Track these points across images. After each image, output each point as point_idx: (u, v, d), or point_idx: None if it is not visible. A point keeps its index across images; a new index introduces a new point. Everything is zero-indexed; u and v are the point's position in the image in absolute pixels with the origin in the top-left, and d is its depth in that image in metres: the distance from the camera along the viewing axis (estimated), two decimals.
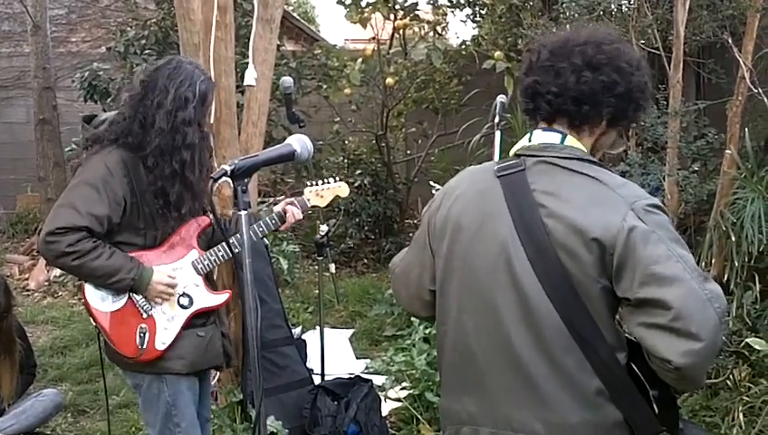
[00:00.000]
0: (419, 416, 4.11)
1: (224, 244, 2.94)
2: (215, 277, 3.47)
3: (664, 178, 4.81)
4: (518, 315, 1.82)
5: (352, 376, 4.35)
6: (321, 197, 3.33)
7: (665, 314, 1.69)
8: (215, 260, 2.95)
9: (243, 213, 1.91)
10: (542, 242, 1.79)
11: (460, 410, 1.96)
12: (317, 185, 3.34)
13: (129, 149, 2.74)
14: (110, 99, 7.19)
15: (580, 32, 1.94)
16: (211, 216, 2.95)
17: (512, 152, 1.99)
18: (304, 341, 4.91)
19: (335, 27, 36.45)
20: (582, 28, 2.00)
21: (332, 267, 4.28)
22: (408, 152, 9.29)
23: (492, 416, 1.88)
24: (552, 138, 1.91)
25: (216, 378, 4.15)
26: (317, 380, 4.27)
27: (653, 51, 5.36)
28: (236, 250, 2.89)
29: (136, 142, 2.74)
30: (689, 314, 1.67)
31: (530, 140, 1.95)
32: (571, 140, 1.90)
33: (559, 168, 1.86)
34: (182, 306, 2.85)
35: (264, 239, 4.68)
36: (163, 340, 2.80)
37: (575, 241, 1.76)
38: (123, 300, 2.78)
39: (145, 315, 2.79)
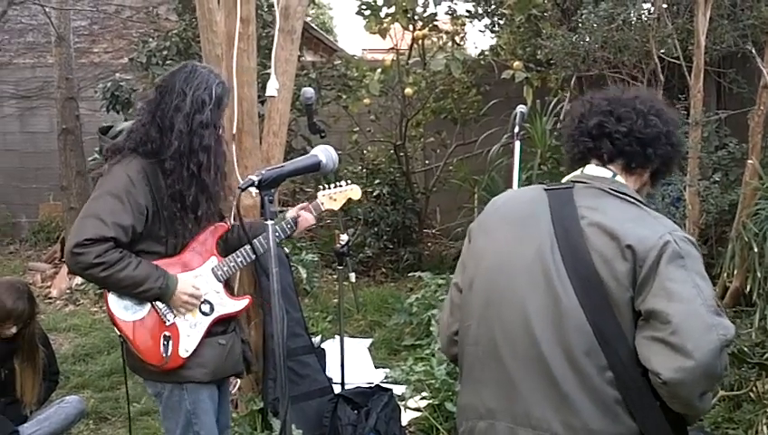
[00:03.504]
0: (439, 426, 4.11)
1: (242, 250, 2.95)
2: (235, 286, 3.48)
3: (685, 189, 4.81)
4: (546, 315, 1.87)
5: (372, 385, 4.35)
6: (334, 200, 3.35)
7: (664, 327, 1.74)
8: (234, 266, 2.96)
9: (270, 223, 1.94)
10: (579, 246, 1.87)
11: (479, 404, 1.99)
12: (330, 189, 3.36)
13: (148, 157, 2.76)
14: (131, 109, 7.26)
15: (625, 90, 2.12)
16: (230, 221, 2.98)
17: (564, 180, 2.12)
18: (323, 350, 4.92)
19: (353, 37, 36.66)
20: (625, 89, 2.17)
21: (353, 276, 4.29)
22: (427, 162, 9.31)
23: (511, 411, 1.91)
24: (604, 172, 2.04)
25: (237, 386, 4.17)
26: (336, 389, 4.29)
27: (673, 60, 5.36)
28: (260, 253, 2.89)
29: (155, 148, 2.76)
30: (687, 330, 1.72)
31: (582, 172, 2.07)
32: (620, 179, 2.02)
33: (605, 192, 1.97)
34: (203, 313, 2.86)
35: (285, 248, 4.71)
36: (186, 347, 2.81)
37: (611, 248, 1.83)
38: (146, 308, 2.78)
39: (168, 323, 2.80)
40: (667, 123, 2.02)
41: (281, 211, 3.02)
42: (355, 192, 3.42)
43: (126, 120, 7.19)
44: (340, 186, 3.38)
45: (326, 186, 3.38)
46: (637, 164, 2.02)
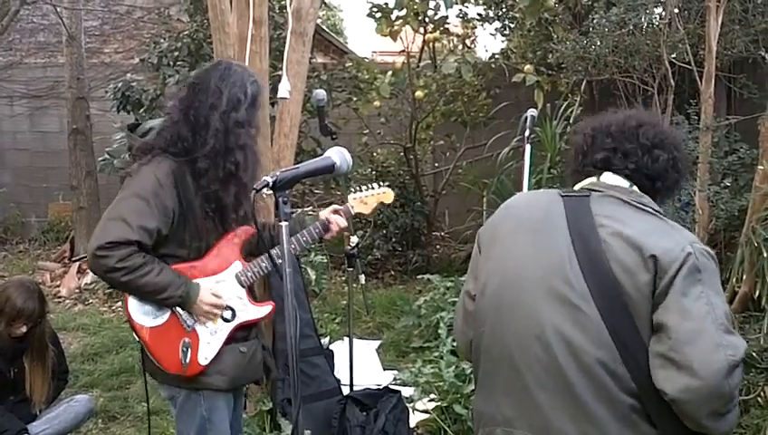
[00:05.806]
0: (447, 428, 4.12)
1: (267, 255, 2.82)
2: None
3: (695, 194, 4.80)
4: (563, 324, 1.85)
5: (381, 387, 4.36)
6: (366, 204, 3.22)
7: (666, 341, 1.73)
8: (258, 272, 2.85)
9: (283, 224, 1.93)
10: (599, 255, 1.84)
11: (495, 412, 1.98)
12: (360, 191, 3.22)
13: (178, 157, 2.67)
14: (142, 109, 7.28)
15: (625, 114, 2.10)
16: (254, 225, 2.90)
17: (577, 187, 2.09)
18: (332, 351, 4.93)
19: (363, 40, 36.78)
20: (621, 111, 2.15)
21: (362, 278, 4.27)
22: (436, 165, 9.32)
23: (529, 420, 1.90)
24: (621, 182, 2.02)
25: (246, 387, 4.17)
26: (345, 390, 4.29)
27: (684, 65, 5.36)
28: (279, 262, 2.71)
29: (186, 147, 2.67)
30: (690, 349, 1.70)
31: (598, 180, 2.05)
32: (637, 189, 2.01)
33: (623, 202, 1.95)
34: (225, 320, 2.76)
35: None
36: (206, 355, 2.71)
37: (633, 258, 1.80)
38: (167, 315, 2.70)
39: (188, 329, 2.71)
40: (672, 150, 2.01)
41: (292, 213, 2.97)
42: (387, 195, 3.29)
43: (137, 120, 7.24)
44: (372, 188, 3.25)
45: (358, 188, 3.23)
46: (644, 191, 2.02)
